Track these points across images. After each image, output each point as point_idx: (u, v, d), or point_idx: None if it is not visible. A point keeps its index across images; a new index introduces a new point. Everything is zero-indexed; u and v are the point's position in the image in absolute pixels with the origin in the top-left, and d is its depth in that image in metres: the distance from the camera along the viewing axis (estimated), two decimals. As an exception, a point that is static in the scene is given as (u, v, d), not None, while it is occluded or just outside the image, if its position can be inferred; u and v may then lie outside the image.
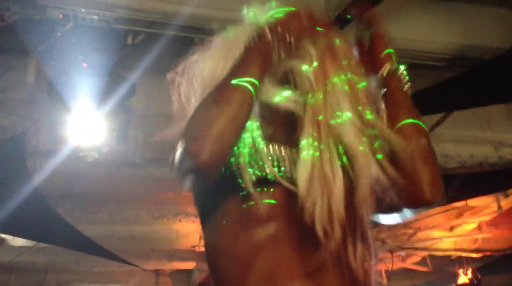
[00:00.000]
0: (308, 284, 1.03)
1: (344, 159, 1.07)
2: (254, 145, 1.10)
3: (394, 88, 1.25)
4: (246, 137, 1.11)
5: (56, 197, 4.58)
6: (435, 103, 3.74)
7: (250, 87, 1.07)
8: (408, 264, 6.99)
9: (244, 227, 1.06)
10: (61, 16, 2.93)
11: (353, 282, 1.05)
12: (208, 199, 1.13)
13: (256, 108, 1.13)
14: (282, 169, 1.08)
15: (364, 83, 1.16)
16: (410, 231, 6.02)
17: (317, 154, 1.05)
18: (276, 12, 1.19)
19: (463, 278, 6.70)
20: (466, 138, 4.45)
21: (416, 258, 6.96)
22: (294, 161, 1.08)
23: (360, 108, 1.11)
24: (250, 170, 1.07)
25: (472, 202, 5.61)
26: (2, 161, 3.85)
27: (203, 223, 1.16)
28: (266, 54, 1.12)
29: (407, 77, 1.28)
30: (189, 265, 7.05)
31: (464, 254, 6.57)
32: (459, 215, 5.98)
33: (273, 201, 1.06)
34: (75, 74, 3.09)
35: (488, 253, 6.77)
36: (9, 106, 3.57)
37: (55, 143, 3.45)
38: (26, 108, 3.60)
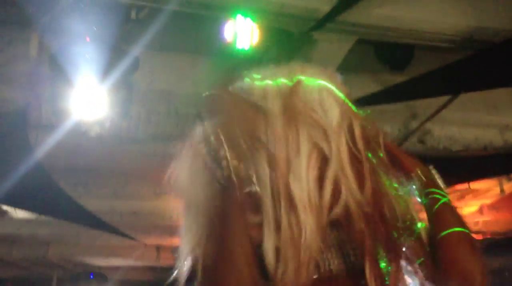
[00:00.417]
0: None
1: None
2: None
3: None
4: None
5: (59, 171, 4.58)
6: (442, 85, 3.70)
7: None
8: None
9: None
10: (64, -12, 2.89)
11: None
12: None
13: None
14: None
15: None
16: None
17: None
18: None
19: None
20: (472, 121, 4.41)
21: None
22: None
23: None
24: None
25: (474, 185, 5.60)
26: (4, 134, 3.84)
27: None
28: None
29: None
30: (190, 241, 7.08)
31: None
32: (461, 197, 5.98)
33: None
34: (78, 48, 3.06)
35: (488, 236, 6.80)
36: (11, 79, 3.55)
37: (57, 117, 3.43)
38: (28, 81, 3.57)
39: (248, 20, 3.16)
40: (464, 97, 3.95)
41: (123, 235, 6.05)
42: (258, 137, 1.05)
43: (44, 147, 3.76)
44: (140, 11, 3.19)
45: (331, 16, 3.15)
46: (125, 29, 3.26)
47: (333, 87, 1.12)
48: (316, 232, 0.98)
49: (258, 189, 1.01)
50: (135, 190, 5.43)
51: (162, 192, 5.53)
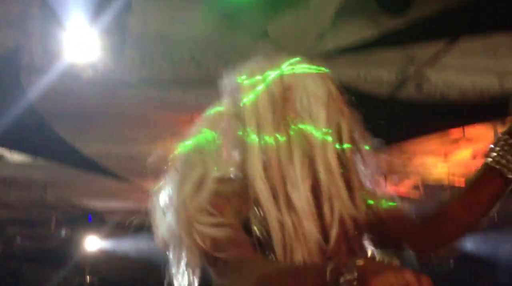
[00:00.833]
0: None
1: None
2: None
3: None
4: None
5: (53, 115, 4.56)
6: (441, 29, 3.65)
7: None
8: (400, 189, 7.11)
9: None
10: None
11: None
12: None
13: None
14: None
15: None
16: (405, 155, 6.08)
17: None
18: None
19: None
20: (469, 67, 4.38)
21: (408, 183, 7.08)
22: None
23: None
24: None
25: (469, 130, 5.62)
26: (-3, 76, 3.80)
27: None
28: None
29: None
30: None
31: (457, 182, 6.68)
32: (455, 142, 6.01)
33: None
34: (68, -12, 2.97)
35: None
36: (0, 22, 3.47)
37: (49, 60, 3.38)
38: (18, 23, 3.49)
39: (244, -40, 3.06)
40: (463, 43, 3.90)
41: (120, 178, 6.10)
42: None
43: (37, 89, 3.74)
44: (132, -50, 3.08)
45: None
46: (117, -31, 3.16)
47: (319, 83, 1.18)
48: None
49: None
50: (130, 134, 5.43)
51: (159, 136, 5.55)
